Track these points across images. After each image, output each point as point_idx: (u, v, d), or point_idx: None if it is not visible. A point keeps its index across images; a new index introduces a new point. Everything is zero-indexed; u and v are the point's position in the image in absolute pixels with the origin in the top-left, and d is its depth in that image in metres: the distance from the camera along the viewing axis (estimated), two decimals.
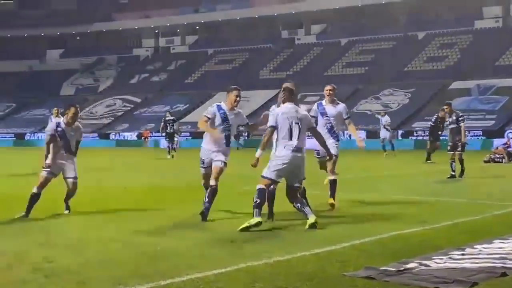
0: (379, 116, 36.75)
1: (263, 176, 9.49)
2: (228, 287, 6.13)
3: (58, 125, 11.33)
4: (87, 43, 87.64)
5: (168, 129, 33.63)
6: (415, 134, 50.56)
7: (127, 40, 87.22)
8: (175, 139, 36.16)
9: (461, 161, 19.01)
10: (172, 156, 32.53)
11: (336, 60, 68.67)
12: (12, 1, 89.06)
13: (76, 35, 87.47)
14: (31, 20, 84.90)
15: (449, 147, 19.06)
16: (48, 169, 10.88)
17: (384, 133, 35.41)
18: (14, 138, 69.74)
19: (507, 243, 8.11)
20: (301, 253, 7.47)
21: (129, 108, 72.20)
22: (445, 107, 20.37)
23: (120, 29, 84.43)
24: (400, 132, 51.61)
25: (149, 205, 12.60)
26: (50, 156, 11.15)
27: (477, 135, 47.90)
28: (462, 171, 19.00)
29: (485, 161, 27.39)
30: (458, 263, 6.94)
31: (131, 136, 64.42)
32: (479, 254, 7.44)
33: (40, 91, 77.79)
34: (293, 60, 71.72)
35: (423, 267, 6.72)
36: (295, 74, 68.36)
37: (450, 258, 7.18)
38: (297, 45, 75.25)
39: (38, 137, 67.00)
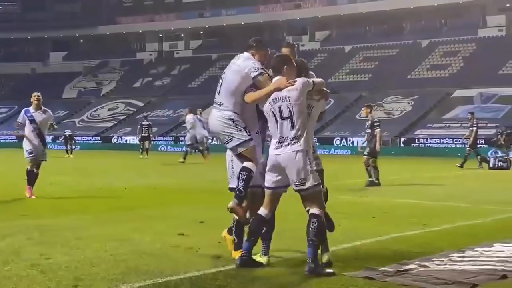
0: (195, 116, 30.23)
1: None
2: (227, 285, 6.09)
3: None
4: (91, 46, 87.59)
5: (143, 132, 36.82)
6: (417, 141, 50.40)
7: (131, 44, 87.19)
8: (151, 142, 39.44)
9: (367, 167, 17.95)
10: (146, 155, 35.69)
11: (340, 67, 68.61)
12: (16, 3, 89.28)
13: (80, 38, 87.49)
14: (35, 23, 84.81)
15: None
16: None
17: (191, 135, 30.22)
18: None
19: (508, 246, 8.05)
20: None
21: (131, 112, 72.15)
22: (362, 108, 18.88)
23: (124, 32, 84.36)
24: (402, 139, 51.51)
25: (149, 204, 12.58)
26: None
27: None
28: (370, 181, 17.71)
29: (490, 168, 27.37)
30: (458, 265, 6.89)
31: (134, 140, 64.35)
32: (480, 256, 7.39)
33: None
34: None
35: (422, 269, 6.69)
36: None
37: (450, 260, 7.13)
38: (301, 52, 75.10)
39: None
